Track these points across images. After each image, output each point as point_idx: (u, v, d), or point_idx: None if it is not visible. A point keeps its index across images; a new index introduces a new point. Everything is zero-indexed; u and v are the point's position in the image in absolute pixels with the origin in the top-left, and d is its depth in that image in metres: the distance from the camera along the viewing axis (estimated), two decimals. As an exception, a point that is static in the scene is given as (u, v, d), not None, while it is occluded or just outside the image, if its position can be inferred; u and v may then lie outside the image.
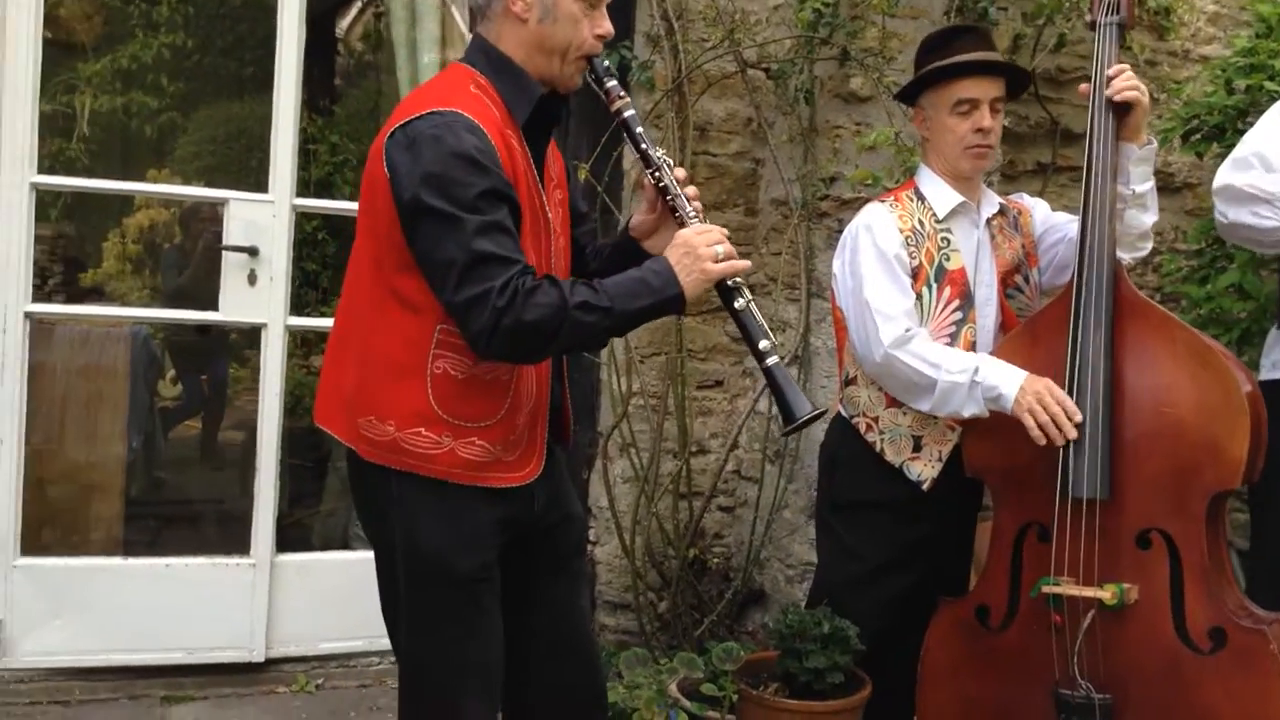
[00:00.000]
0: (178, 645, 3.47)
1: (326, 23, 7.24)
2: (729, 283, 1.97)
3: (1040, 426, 2.37)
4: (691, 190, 2.05)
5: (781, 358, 2.01)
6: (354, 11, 7.91)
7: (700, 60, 3.56)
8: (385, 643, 2.17)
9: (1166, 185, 4.63)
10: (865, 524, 2.68)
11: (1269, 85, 3.38)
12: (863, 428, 2.67)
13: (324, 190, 6.13)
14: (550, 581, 2.19)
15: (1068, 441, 2.38)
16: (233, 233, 3.48)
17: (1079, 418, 2.37)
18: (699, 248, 1.94)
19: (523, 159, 1.96)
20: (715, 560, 3.85)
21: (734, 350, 3.95)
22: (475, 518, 1.98)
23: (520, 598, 2.13)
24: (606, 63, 2.05)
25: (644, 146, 2.04)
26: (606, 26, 2.01)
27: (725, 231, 1.99)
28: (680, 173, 2.06)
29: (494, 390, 1.96)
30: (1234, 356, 2.49)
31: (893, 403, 2.63)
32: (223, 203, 3.52)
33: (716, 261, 1.94)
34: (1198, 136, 3.65)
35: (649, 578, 3.80)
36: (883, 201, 2.67)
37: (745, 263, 2.00)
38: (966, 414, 2.48)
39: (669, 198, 2.03)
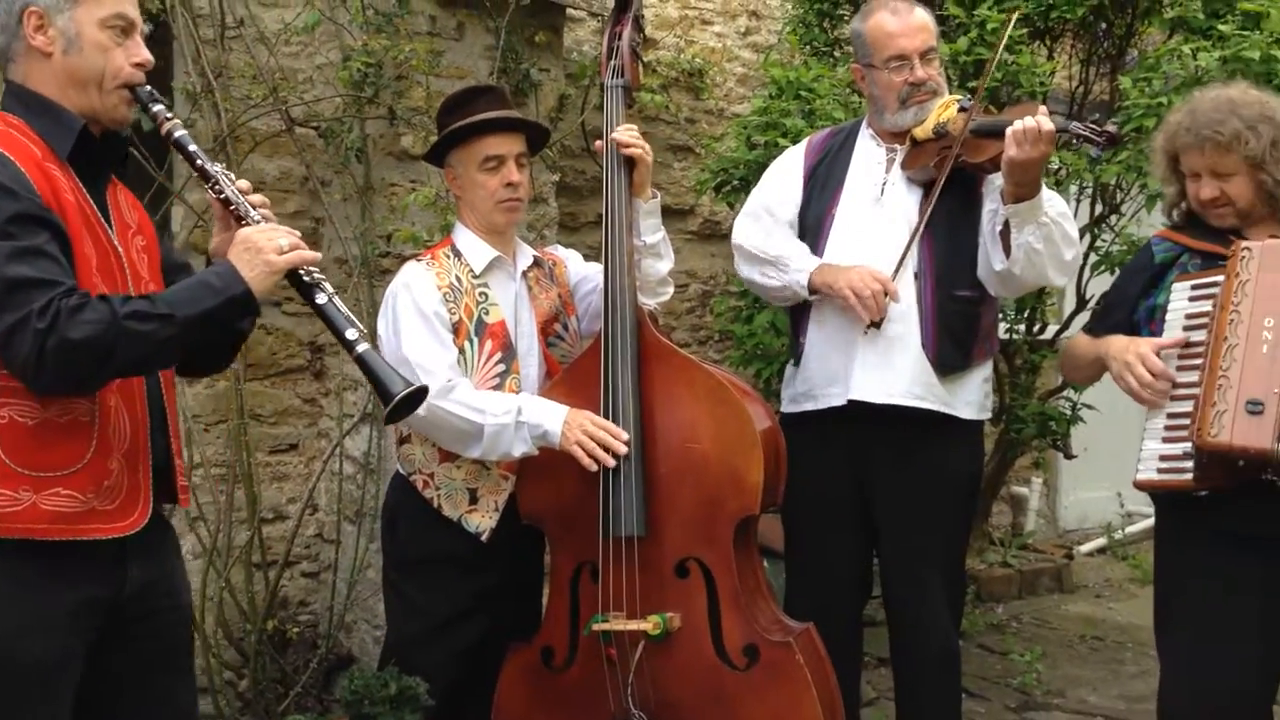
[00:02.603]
0: None
1: None
2: (305, 279, 1.94)
3: (590, 454, 2.47)
4: (257, 198, 2.02)
5: (371, 344, 1.98)
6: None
7: (243, 118, 3.47)
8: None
9: (715, 232, 5.02)
10: (430, 579, 2.68)
11: (782, 141, 3.74)
12: (420, 484, 2.68)
13: None
14: (152, 681, 2.01)
15: (608, 482, 2.50)
16: None
17: (625, 436, 2.49)
18: (259, 242, 1.90)
19: (75, 194, 1.87)
20: (296, 630, 3.71)
21: (307, 412, 3.87)
22: (49, 597, 1.80)
23: (113, 699, 1.95)
24: (149, 88, 1.98)
25: (200, 161, 2.00)
26: (143, 54, 1.96)
27: (296, 232, 1.96)
28: (243, 183, 2.02)
29: (74, 433, 1.82)
30: (753, 393, 2.72)
31: (446, 457, 2.65)
32: None
33: (281, 254, 1.90)
34: (728, 188, 3.98)
35: (226, 656, 3.61)
36: (420, 260, 2.70)
37: (314, 253, 1.96)
38: (518, 453, 2.55)
39: (231, 206, 1.99)
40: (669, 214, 4.97)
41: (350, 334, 1.93)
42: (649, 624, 2.47)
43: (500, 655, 2.69)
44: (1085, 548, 6.06)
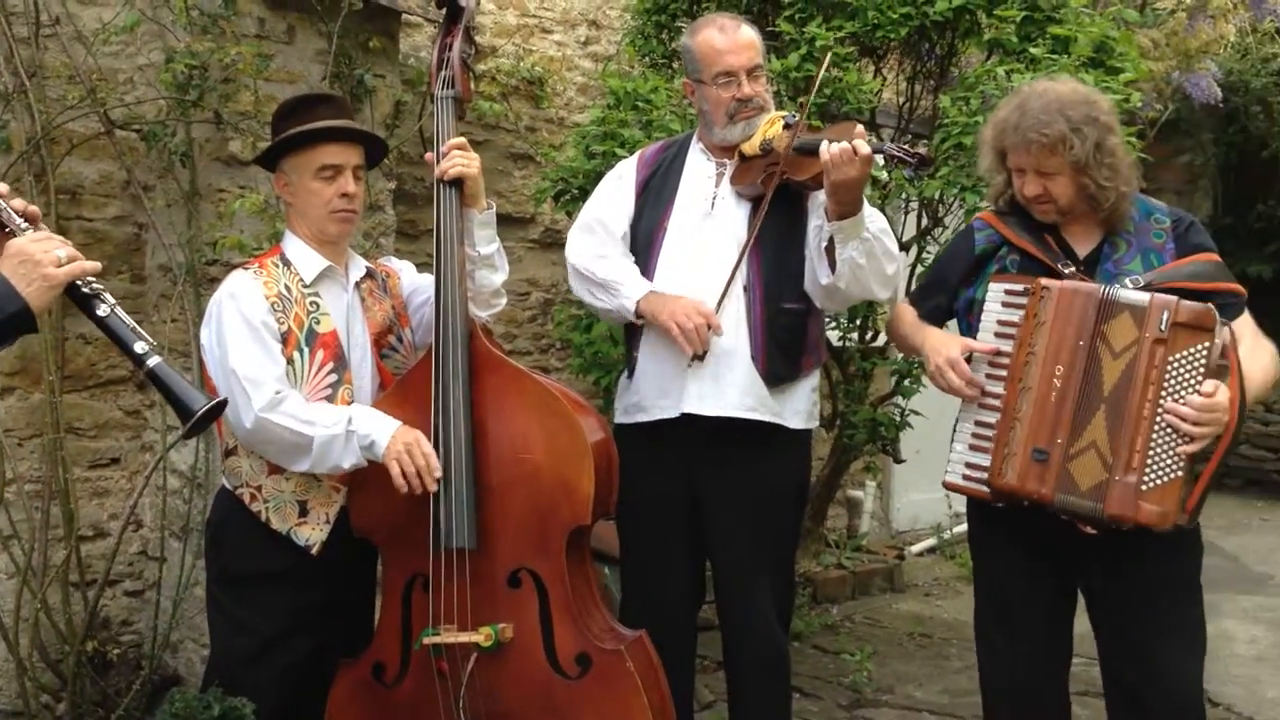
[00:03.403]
0: None
1: None
2: (85, 290, 1.85)
3: (405, 475, 2.46)
4: (19, 203, 1.91)
5: (162, 356, 1.90)
6: None
7: (59, 119, 3.33)
8: None
9: (556, 241, 5.03)
10: (256, 596, 2.62)
11: (620, 151, 3.77)
12: (247, 498, 2.62)
13: None
14: None
15: (438, 495, 2.49)
16: None
17: (438, 473, 2.48)
18: (35, 254, 1.81)
19: None
20: (117, 651, 3.58)
21: (129, 425, 3.73)
22: None
23: None
24: None
25: None
26: None
27: (69, 243, 1.86)
28: (2, 187, 1.92)
29: None
30: (585, 404, 2.73)
31: (275, 470, 2.59)
32: None
33: (60, 266, 1.81)
34: (567, 197, 4.00)
35: (44, 679, 3.46)
36: (247, 269, 2.63)
37: (94, 264, 1.87)
38: (347, 465, 2.51)
39: None
40: (510, 222, 4.99)
41: (139, 348, 1.87)
42: (481, 635, 2.47)
43: (331, 672, 2.65)
44: (916, 548, 6.27)
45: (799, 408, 2.86)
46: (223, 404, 1.94)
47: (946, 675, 4.34)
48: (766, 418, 2.80)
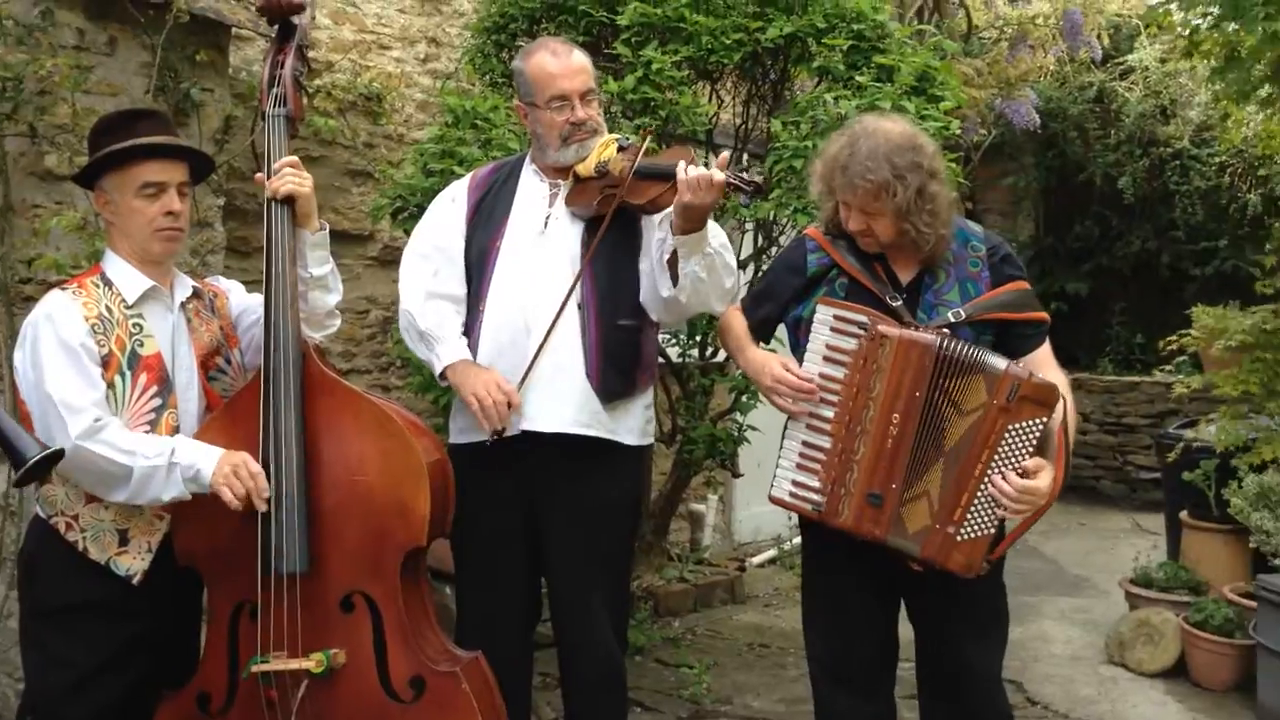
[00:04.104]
0: None
1: None
2: None
3: (237, 497, 2.41)
4: None
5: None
6: None
7: None
8: None
9: (395, 258, 4.95)
10: (72, 628, 2.51)
11: (458, 169, 3.77)
12: (63, 527, 2.51)
13: None
14: None
15: (267, 518, 2.44)
16: None
17: (267, 494, 2.44)
18: None
19: None
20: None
21: (-62, 451, 3.54)
22: None
23: None
24: None
25: None
26: None
27: None
28: None
29: None
30: (421, 425, 2.72)
31: (93, 498, 2.50)
32: None
33: None
34: (405, 215, 3.97)
35: None
36: (65, 289, 2.54)
37: None
38: (167, 498, 2.44)
39: None
40: (348, 239, 4.93)
41: None
42: (311, 662, 2.42)
43: (154, 705, 2.57)
44: (757, 559, 6.40)
45: (633, 425, 2.91)
46: (59, 454, 1.90)
47: (784, 684, 4.45)
48: (601, 434, 2.83)
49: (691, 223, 2.68)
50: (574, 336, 2.81)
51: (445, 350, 2.85)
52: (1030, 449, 2.48)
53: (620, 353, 2.86)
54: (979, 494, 2.49)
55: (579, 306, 2.82)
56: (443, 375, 2.84)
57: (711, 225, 2.79)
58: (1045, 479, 2.48)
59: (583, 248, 2.83)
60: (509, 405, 2.73)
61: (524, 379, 2.78)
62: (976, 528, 2.49)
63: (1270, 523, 4.64)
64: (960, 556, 2.50)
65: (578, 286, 2.82)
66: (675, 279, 2.77)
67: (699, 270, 2.74)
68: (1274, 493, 4.66)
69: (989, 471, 2.48)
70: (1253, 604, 4.48)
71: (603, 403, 2.82)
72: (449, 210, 3.01)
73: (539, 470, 2.83)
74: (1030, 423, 2.47)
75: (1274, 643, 4.18)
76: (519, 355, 2.80)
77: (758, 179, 2.69)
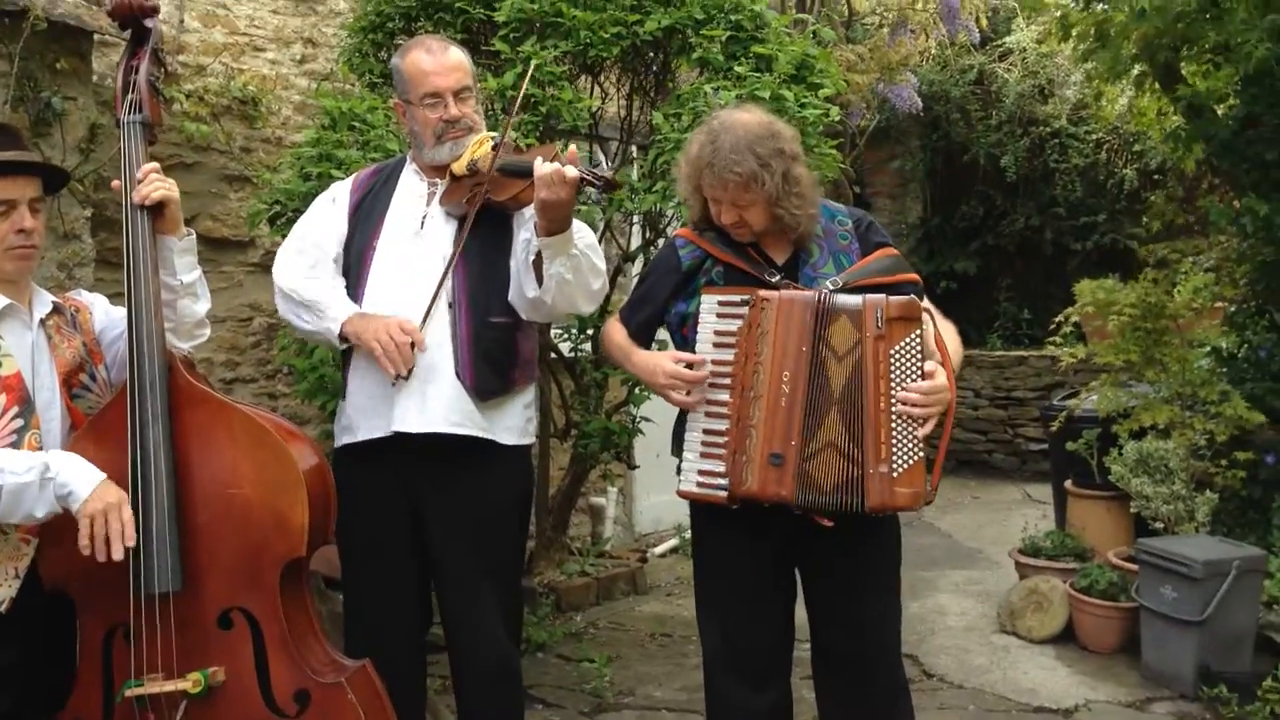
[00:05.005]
0: None
1: None
2: None
3: (92, 538, 2.33)
4: None
5: None
6: None
7: None
8: None
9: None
10: (-62, 662, 2.44)
11: (336, 173, 3.71)
12: (-76, 556, 2.43)
13: None
14: None
15: (140, 539, 2.38)
16: None
17: (130, 542, 2.35)
18: None
19: None
20: None
21: None
22: None
23: None
24: None
25: None
26: None
27: None
28: None
29: None
30: (297, 432, 2.68)
31: (-42, 524, 2.42)
32: None
33: None
34: (283, 220, 3.90)
35: None
36: (-85, 311, 2.45)
37: None
38: (40, 515, 2.36)
39: None
40: (228, 246, 4.83)
41: None
42: (188, 682, 2.37)
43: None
44: (659, 549, 6.44)
45: (511, 424, 2.89)
46: None
47: (686, 672, 4.48)
48: (475, 433, 2.81)
49: (553, 222, 2.67)
50: (444, 335, 2.80)
51: (335, 311, 2.81)
52: (918, 365, 2.54)
53: (493, 351, 2.84)
54: (894, 423, 2.52)
55: (449, 305, 2.81)
56: (342, 338, 2.79)
57: (579, 225, 2.79)
58: (941, 375, 2.55)
59: (454, 247, 2.82)
60: (412, 345, 2.70)
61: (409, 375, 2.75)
62: (905, 456, 2.52)
63: (1150, 488, 4.82)
64: (904, 490, 2.51)
65: (448, 284, 2.80)
66: (541, 280, 2.77)
67: (564, 271, 2.73)
68: (1153, 458, 4.84)
69: (893, 400, 2.52)
70: (1134, 567, 4.65)
71: (476, 401, 2.80)
72: (328, 210, 2.98)
73: (418, 472, 2.81)
74: (906, 341, 2.54)
75: (1155, 604, 4.34)
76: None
77: (608, 174, 2.70)
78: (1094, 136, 9.18)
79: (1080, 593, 4.82)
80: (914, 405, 2.52)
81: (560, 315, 2.96)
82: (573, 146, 2.75)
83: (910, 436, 2.53)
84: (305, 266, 2.90)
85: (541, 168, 2.60)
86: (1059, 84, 9.27)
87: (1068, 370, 6.77)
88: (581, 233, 2.82)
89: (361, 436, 2.84)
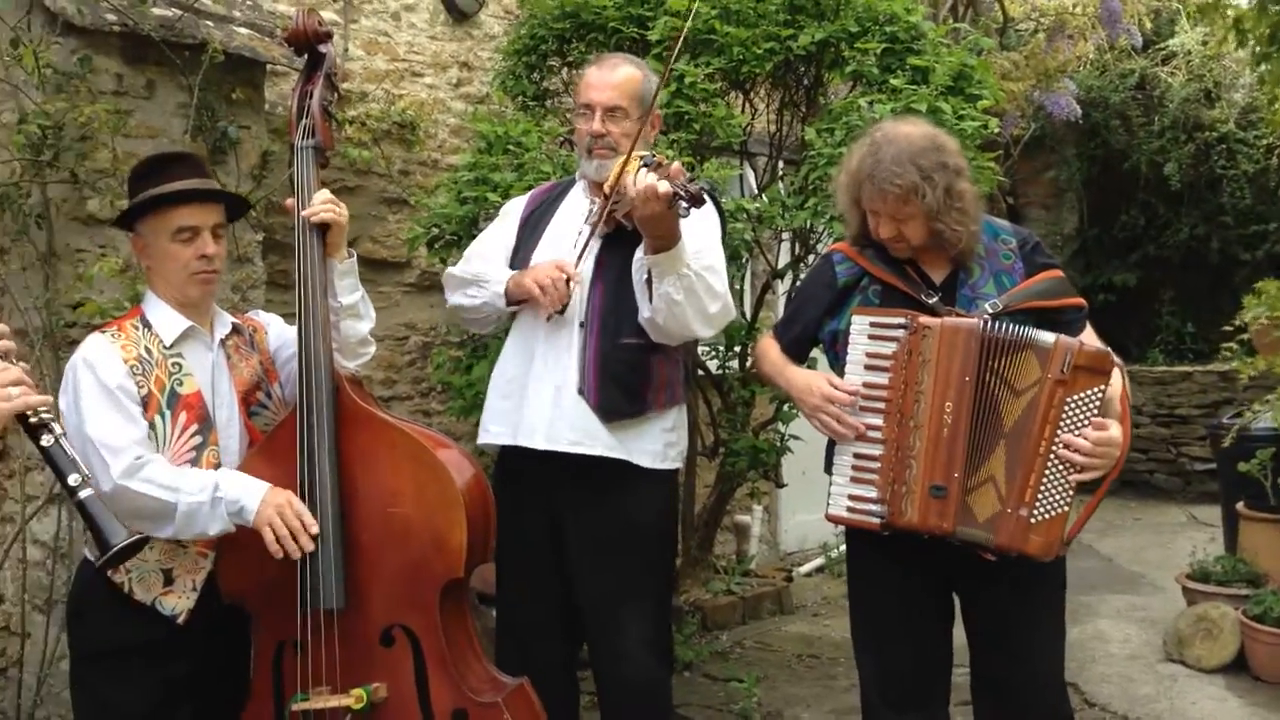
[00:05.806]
0: None
1: None
2: (31, 419, 1.95)
3: (279, 540, 2.43)
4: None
5: (94, 490, 2.00)
6: None
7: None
8: None
9: (433, 284, 5.02)
10: (120, 672, 2.53)
11: (491, 196, 3.79)
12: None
13: None
14: None
15: (306, 555, 2.46)
16: None
17: (315, 530, 2.45)
18: None
19: None
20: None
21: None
22: None
23: None
24: None
25: None
26: None
27: (25, 367, 1.97)
28: None
29: None
30: (450, 442, 2.72)
31: (138, 539, 2.54)
32: None
33: (9, 400, 1.91)
34: (440, 244, 3.99)
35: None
36: (104, 332, 2.59)
37: (42, 397, 1.97)
38: (214, 532, 2.47)
39: None
40: (385, 267, 4.97)
41: (73, 479, 1.96)
42: (352, 698, 2.44)
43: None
44: (804, 568, 6.37)
45: (649, 447, 2.88)
46: (143, 541, 2.04)
47: (834, 695, 4.42)
48: (601, 452, 2.82)
49: (656, 239, 2.65)
50: (573, 353, 2.82)
51: (497, 276, 2.93)
52: (1092, 419, 2.45)
53: (623, 371, 2.84)
54: (1047, 472, 2.44)
55: (580, 324, 2.83)
56: (509, 301, 2.90)
57: (700, 246, 2.76)
58: (1117, 430, 2.45)
59: (595, 265, 2.85)
60: (568, 281, 2.77)
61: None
62: (1049, 507, 2.44)
63: (1330, 513, 4.55)
64: (1037, 539, 2.44)
65: (580, 303, 2.84)
66: (651, 299, 2.75)
67: (673, 292, 2.70)
68: (1333, 483, 4.57)
69: (1054, 447, 2.44)
70: (1314, 598, 4.40)
71: (603, 421, 2.81)
72: (501, 224, 3.11)
73: (558, 489, 2.85)
74: (1089, 392, 2.45)
75: (1336, 640, 4.10)
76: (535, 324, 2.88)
77: (693, 188, 2.57)
78: (1264, 141, 8.75)
79: (1253, 620, 4.59)
80: (1078, 451, 2.42)
81: (676, 337, 2.88)
82: (676, 162, 2.70)
83: (1063, 486, 2.45)
84: (460, 267, 3.07)
85: (635, 184, 2.59)
86: (1226, 87, 8.87)
87: (1238, 386, 6.45)
88: (700, 254, 2.77)
89: (487, 439, 2.93)
